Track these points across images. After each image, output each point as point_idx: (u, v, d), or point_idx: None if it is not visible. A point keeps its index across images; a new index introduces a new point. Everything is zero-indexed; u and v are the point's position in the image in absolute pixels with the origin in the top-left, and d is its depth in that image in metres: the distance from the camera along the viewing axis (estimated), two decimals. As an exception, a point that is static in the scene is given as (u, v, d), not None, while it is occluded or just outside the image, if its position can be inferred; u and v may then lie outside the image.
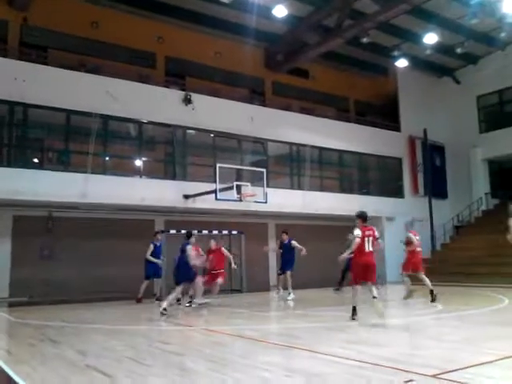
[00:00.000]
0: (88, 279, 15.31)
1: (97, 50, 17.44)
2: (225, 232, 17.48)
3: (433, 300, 11.77)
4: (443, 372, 4.86)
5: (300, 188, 19.17)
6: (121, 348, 6.81)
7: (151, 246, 13.85)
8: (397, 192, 22.84)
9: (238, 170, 16.47)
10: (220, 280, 12.88)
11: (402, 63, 22.26)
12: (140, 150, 16.47)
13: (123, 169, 16.25)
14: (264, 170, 16.16)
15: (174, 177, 16.53)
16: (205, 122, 16.87)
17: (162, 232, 15.21)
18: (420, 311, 11.29)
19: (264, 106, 20.09)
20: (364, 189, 22.20)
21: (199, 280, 11.73)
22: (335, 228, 18.65)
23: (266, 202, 15.51)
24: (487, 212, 23.57)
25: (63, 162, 15.21)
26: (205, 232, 16.62)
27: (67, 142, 15.14)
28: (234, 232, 17.73)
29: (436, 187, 23.77)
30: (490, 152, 23.46)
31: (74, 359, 6.08)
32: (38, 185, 13.58)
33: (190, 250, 10.86)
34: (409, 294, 12.37)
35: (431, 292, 12.00)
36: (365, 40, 19.42)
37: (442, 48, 22.02)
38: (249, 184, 15.20)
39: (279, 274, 15.04)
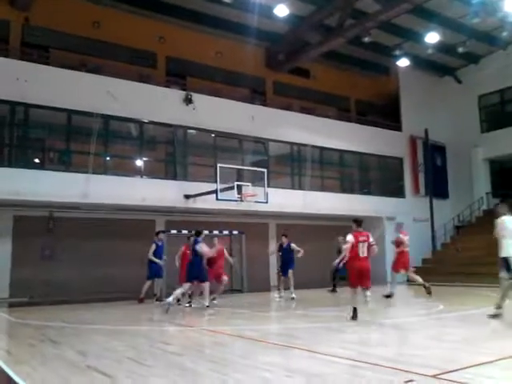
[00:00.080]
0: (89, 279, 15.32)
1: (98, 49, 17.45)
2: (225, 232, 17.49)
3: (428, 292, 12.22)
4: (443, 372, 4.86)
5: (301, 188, 19.15)
6: (121, 348, 6.81)
7: (153, 246, 13.86)
8: (398, 192, 22.81)
9: (239, 170, 16.47)
10: (225, 278, 12.84)
11: (403, 63, 22.22)
12: (141, 149, 16.48)
13: (124, 169, 16.25)
14: (265, 170, 16.15)
15: (174, 177, 16.53)
16: (206, 121, 16.86)
17: (163, 232, 15.21)
18: (420, 311, 11.28)
19: (265, 105, 20.07)
20: (365, 189, 22.19)
21: (208, 283, 11.77)
22: (336, 228, 18.61)
23: (266, 202, 15.51)
24: (488, 212, 23.48)
25: (64, 162, 15.21)
26: (205, 232, 16.62)
27: (68, 142, 15.13)
28: (235, 232, 17.74)
29: (437, 187, 23.75)
30: (491, 152, 23.42)
31: (74, 360, 6.09)
32: (38, 185, 13.58)
33: (202, 247, 11.25)
34: (391, 293, 12.87)
35: (424, 286, 12.41)
36: (366, 39, 19.37)
37: (443, 47, 21.98)
38: (250, 184, 15.21)
39: (278, 273, 15.11)
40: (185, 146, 16.95)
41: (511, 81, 22.61)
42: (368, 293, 8.88)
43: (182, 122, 16.65)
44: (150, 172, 16.53)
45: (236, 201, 14.79)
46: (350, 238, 8.93)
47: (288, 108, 20.49)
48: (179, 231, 16.27)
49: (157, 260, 13.70)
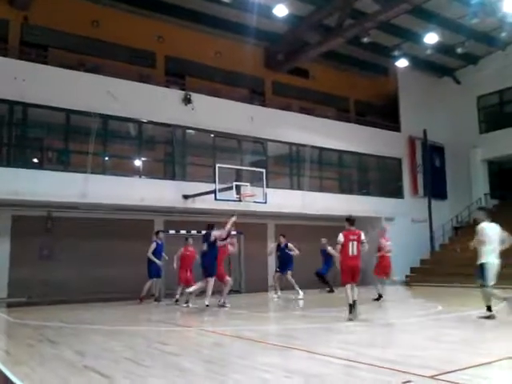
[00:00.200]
0: (87, 279, 15.28)
1: (97, 49, 17.42)
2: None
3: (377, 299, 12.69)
4: (441, 373, 4.86)
5: (300, 188, 19.15)
6: (119, 349, 6.81)
7: (153, 245, 13.86)
8: (396, 192, 22.82)
9: (238, 170, 16.48)
10: (228, 278, 12.75)
11: (402, 63, 22.24)
12: (139, 149, 16.46)
13: (123, 169, 16.24)
14: (263, 171, 16.17)
15: (173, 177, 16.51)
16: (204, 121, 16.86)
17: (163, 232, 15.20)
18: (418, 312, 11.29)
19: (264, 105, 20.06)
20: (364, 189, 22.20)
21: (212, 280, 11.76)
22: (335, 228, 18.36)
23: (265, 203, 15.52)
24: (487, 213, 23.53)
25: (63, 162, 15.20)
26: (204, 232, 16.62)
27: (67, 141, 15.12)
28: (233, 232, 17.69)
29: (435, 188, 23.77)
30: (490, 152, 23.43)
31: (72, 360, 6.08)
32: (37, 185, 13.56)
33: (213, 234, 11.57)
34: (380, 296, 12.97)
35: (380, 295, 12.83)
36: (365, 40, 19.38)
37: (442, 48, 22.01)
38: (248, 184, 15.20)
39: (277, 272, 15.20)
40: (184, 146, 16.94)
41: (510, 81, 22.62)
42: (356, 291, 9.28)
43: (180, 121, 16.64)
44: (148, 172, 16.52)
45: (235, 201, 14.78)
46: (340, 238, 9.26)
47: (287, 108, 20.48)
48: (178, 231, 16.27)
49: (156, 260, 13.69)
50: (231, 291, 13.67)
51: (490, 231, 8.85)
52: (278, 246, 14.93)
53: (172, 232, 16.16)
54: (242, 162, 17.82)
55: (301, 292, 14.26)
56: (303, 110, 21.17)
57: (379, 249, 13.28)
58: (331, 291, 15.76)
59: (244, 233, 17.76)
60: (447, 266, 19.60)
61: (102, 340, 7.61)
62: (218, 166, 15.19)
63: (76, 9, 16.96)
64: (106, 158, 15.78)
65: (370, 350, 6.36)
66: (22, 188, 13.30)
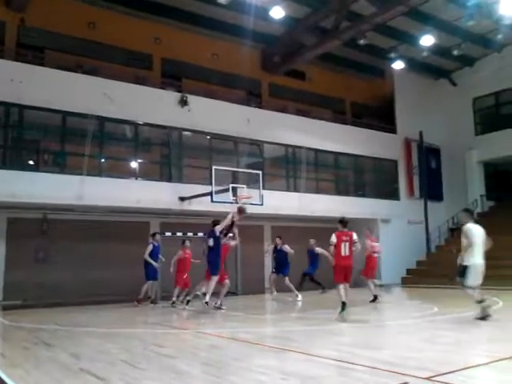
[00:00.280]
0: (83, 282, 15.24)
1: (93, 51, 17.40)
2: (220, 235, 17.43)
3: (373, 300, 12.74)
4: (437, 374, 4.87)
5: (296, 190, 19.18)
6: (115, 351, 6.78)
7: (150, 247, 13.82)
8: (392, 194, 22.88)
9: (234, 172, 16.48)
10: (227, 282, 12.73)
11: (398, 65, 22.28)
12: (136, 151, 16.43)
13: (119, 171, 16.22)
14: (260, 172, 16.17)
15: (169, 179, 16.50)
16: (201, 123, 16.86)
17: (159, 234, 15.17)
18: (414, 313, 11.31)
19: (260, 107, 20.08)
20: (360, 191, 22.24)
21: (215, 279, 11.70)
22: (331, 230, 18.40)
23: (261, 205, 15.51)
24: (482, 214, 23.59)
25: (59, 164, 15.17)
26: (200, 234, 16.59)
27: (63, 143, 15.09)
28: (230, 234, 17.66)
29: (431, 189, 23.82)
30: (486, 154, 23.49)
31: (67, 362, 6.06)
32: (33, 187, 13.52)
33: (217, 228, 11.60)
34: (375, 297, 13.00)
35: (375, 296, 12.87)
36: (361, 42, 19.41)
37: (438, 50, 22.08)
38: (245, 186, 15.17)
39: (273, 273, 15.29)
40: (180, 148, 16.92)
41: (506, 83, 22.70)
42: (347, 286, 9.61)
43: (177, 123, 16.63)
44: (144, 174, 16.50)
45: (231, 203, 14.76)
46: (333, 239, 9.60)
47: (283, 110, 20.50)
48: (174, 233, 16.23)
49: (153, 262, 13.66)
50: (228, 293, 13.64)
51: (476, 232, 8.98)
52: (275, 247, 15.06)
53: (168, 234, 16.12)
54: (238, 163, 17.83)
55: (299, 295, 14.26)
56: (300, 112, 21.21)
57: (365, 250, 13.41)
58: (324, 291, 15.73)
59: (240, 235, 17.70)
60: (443, 268, 19.55)
61: (98, 342, 7.59)
62: (214, 167, 15.20)
63: (72, 11, 16.96)
64: (103, 160, 15.77)
65: (366, 352, 6.36)
66: (18, 190, 13.26)
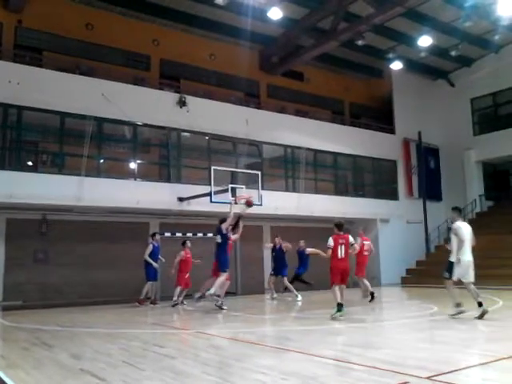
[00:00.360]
0: (82, 282, 15.25)
1: (91, 52, 17.42)
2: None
3: (371, 297, 13.03)
4: (438, 374, 4.88)
5: (295, 190, 19.17)
6: (115, 352, 6.78)
7: (150, 247, 13.83)
8: (391, 194, 22.89)
9: (233, 172, 16.46)
10: (228, 282, 12.79)
11: (396, 66, 22.31)
12: (134, 152, 16.41)
13: (118, 171, 16.20)
14: (259, 173, 16.18)
15: (168, 179, 16.48)
16: (199, 124, 16.86)
17: (159, 234, 15.17)
18: (414, 313, 11.32)
19: (259, 108, 20.10)
20: (359, 191, 22.25)
21: (224, 275, 11.86)
22: (330, 230, 18.51)
23: (261, 205, 15.50)
24: (481, 214, 23.67)
25: (58, 165, 15.14)
26: (199, 235, 16.61)
27: (62, 144, 15.05)
28: (229, 234, 17.68)
29: (430, 189, 23.86)
30: (484, 154, 23.56)
31: (67, 363, 6.06)
32: (32, 188, 13.50)
33: (226, 226, 11.86)
34: (365, 294, 13.46)
35: (372, 294, 13.11)
36: (360, 42, 19.42)
37: (436, 50, 22.13)
38: (244, 186, 15.19)
39: (271, 275, 15.34)
40: (179, 149, 16.92)
41: (503, 84, 22.78)
42: (343, 287, 9.78)
43: (175, 124, 16.62)
44: (143, 174, 16.48)
45: (230, 203, 14.76)
46: (330, 242, 9.75)
47: (282, 111, 20.54)
48: (173, 234, 16.24)
49: (152, 262, 13.65)
50: (227, 293, 13.66)
51: (465, 230, 9.21)
52: (274, 246, 15.12)
53: (167, 234, 16.13)
54: (237, 164, 17.82)
55: (299, 295, 14.28)
56: (298, 113, 21.24)
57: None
58: (310, 284, 15.69)
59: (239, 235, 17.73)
60: (442, 267, 19.61)
61: (98, 343, 7.58)
62: (213, 168, 15.20)
63: (70, 12, 16.99)
64: (101, 161, 15.75)
65: (366, 351, 6.37)
66: (17, 191, 13.25)
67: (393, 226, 21.76)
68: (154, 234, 14.39)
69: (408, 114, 23.57)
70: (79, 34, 17.16)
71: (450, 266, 9.27)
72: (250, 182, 15.97)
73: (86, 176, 14.51)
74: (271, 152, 19.34)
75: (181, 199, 16.01)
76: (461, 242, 9.03)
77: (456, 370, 5.06)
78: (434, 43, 20.83)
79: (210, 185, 14.87)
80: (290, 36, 20.32)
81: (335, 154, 21.00)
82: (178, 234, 16.11)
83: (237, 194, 14.66)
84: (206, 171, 15.83)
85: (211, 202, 14.89)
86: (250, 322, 10.72)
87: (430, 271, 19.97)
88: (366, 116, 24.51)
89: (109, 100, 15.03)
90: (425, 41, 20.51)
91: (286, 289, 15.12)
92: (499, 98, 23.90)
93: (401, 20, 19.33)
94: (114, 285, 15.33)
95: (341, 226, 10.05)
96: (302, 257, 15.42)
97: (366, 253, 13.69)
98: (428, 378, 4.74)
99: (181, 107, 16.77)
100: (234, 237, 12.67)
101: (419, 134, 23.46)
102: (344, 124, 22.51)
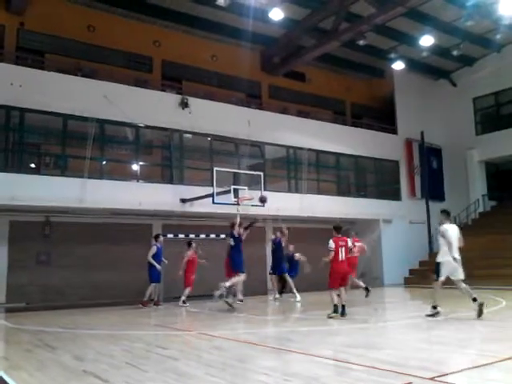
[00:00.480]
0: (85, 284, 15.28)
1: (93, 54, 17.45)
2: (222, 236, 17.47)
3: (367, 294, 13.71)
4: (441, 375, 4.87)
5: (297, 191, 19.17)
6: (118, 353, 6.79)
7: (154, 248, 13.85)
8: (394, 195, 22.84)
9: (235, 173, 16.47)
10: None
11: (398, 65, 22.29)
12: (137, 154, 16.43)
13: (120, 173, 16.20)
14: (261, 174, 16.16)
15: (171, 181, 16.48)
16: (201, 125, 16.85)
17: (162, 236, 15.18)
18: (415, 313, 11.29)
19: (261, 109, 20.09)
20: (361, 192, 22.22)
21: (242, 276, 12.12)
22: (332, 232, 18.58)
23: (263, 206, 15.49)
24: (484, 214, 23.62)
25: (60, 167, 15.16)
26: (202, 236, 16.63)
27: (64, 146, 15.07)
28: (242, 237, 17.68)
29: (433, 190, 23.80)
30: (487, 154, 23.51)
31: (70, 365, 6.07)
32: (34, 190, 13.52)
33: (237, 232, 12.14)
34: (367, 289, 14.00)
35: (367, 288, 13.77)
36: (361, 42, 19.40)
37: (438, 50, 22.11)
38: (246, 188, 15.19)
39: (270, 274, 15.39)
40: (181, 150, 16.93)
41: (506, 83, 22.73)
42: (342, 289, 9.94)
43: (177, 125, 16.64)
44: (146, 176, 16.49)
45: (233, 204, 14.77)
46: (331, 244, 9.88)
47: (284, 111, 20.54)
48: (176, 235, 16.27)
49: (156, 264, 13.65)
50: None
51: (452, 232, 9.57)
52: (274, 240, 15.13)
53: (170, 236, 16.15)
54: (239, 165, 17.82)
55: (298, 295, 14.26)
56: (300, 113, 21.23)
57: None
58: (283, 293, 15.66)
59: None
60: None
61: (101, 344, 7.59)
62: (215, 169, 15.20)
63: (72, 14, 17.02)
64: (104, 163, 15.75)
65: (368, 352, 6.36)
66: (20, 193, 13.27)
67: (395, 226, 21.73)
68: (157, 236, 14.40)
69: (410, 114, 23.54)
70: (81, 36, 17.19)
71: (437, 268, 9.60)
72: (253, 183, 15.96)
73: (89, 178, 14.53)
74: (273, 153, 19.33)
75: (183, 200, 16.01)
76: (448, 244, 9.37)
77: (459, 371, 5.06)
78: (435, 43, 20.80)
79: (212, 186, 14.88)
80: (291, 36, 20.32)
81: (337, 155, 20.98)
82: (181, 236, 16.13)
83: (239, 195, 14.69)
84: (208, 172, 15.84)
85: (213, 203, 14.90)
86: (253, 323, 10.72)
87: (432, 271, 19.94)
88: (368, 116, 24.48)
89: (111, 102, 15.04)
90: (426, 40, 20.48)
91: (283, 287, 15.11)
92: (501, 97, 23.86)
93: (402, 20, 19.32)
94: (117, 286, 15.35)
95: (339, 228, 10.26)
96: (292, 261, 15.49)
97: (356, 254, 13.78)
98: (431, 378, 4.73)
99: (183, 108, 16.79)
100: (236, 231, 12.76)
101: (421, 133, 23.42)
102: (346, 124, 22.50)
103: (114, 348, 7.23)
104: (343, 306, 9.79)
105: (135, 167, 16.52)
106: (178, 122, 16.58)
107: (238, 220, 12.60)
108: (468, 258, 19.09)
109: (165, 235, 15.72)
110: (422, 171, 23.49)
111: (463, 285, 9.39)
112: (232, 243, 12.25)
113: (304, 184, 19.25)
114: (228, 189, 14.76)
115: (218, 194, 14.84)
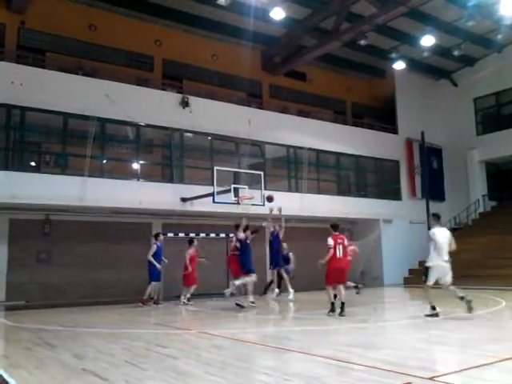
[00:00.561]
0: (85, 283, 15.29)
1: (94, 53, 17.44)
2: (222, 235, 17.49)
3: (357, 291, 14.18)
4: (440, 374, 4.87)
5: (298, 190, 19.16)
6: (118, 352, 6.80)
7: (154, 247, 13.85)
8: (394, 194, 22.85)
9: (236, 172, 16.46)
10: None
11: (399, 65, 22.28)
12: (137, 152, 16.43)
13: (121, 172, 16.21)
14: (261, 173, 16.16)
15: (171, 180, 16.48)
16: (202, 124, 16.85)
17: (162, 234, 15.19)
18: (415, 313, 11.28)
19: (261, 108, 20.08)
20: (361, 191, 22.21)
21: (252, 276, 12.27)
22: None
23: (263, 205, 15.50)
24: (484, 214, 23.62)
25: (60, 166, 15.17)
26: (202, 235, 16.64)
27: (64, 145, 15.08)
28: (232, 235, 17.69)
29: (433, 190, 23.79)
30: (487, 154, 23.52)
31: (70, 363, 6.07)
32: (35, 188, 13.53)
33: (240, 236, 12.35)
34: (356, 286, 14.56)
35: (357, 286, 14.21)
36: (362, 42, 19.41)
37: (439, 50, 22.10)
38: (246, 187, 15.20)
39: (270, 269, 15.41)
40: (181, 149, 16.93)
41: (506, 83, 22.73)
42: (341, 287, 10.10)
43: (178, 124, 16.64)
44: (146, 175, 16.49)
45: (233, 204, 14.78)
46: (330, 241, 10.06)
47: (284, 111, 20.54)
48: (176, 234, 16.27)
49: (156, 263, 13.66)
50: (231, 294, 13.66)
51: (440, 236, 9.53)
52: (272, 233, 15.15)
53: (170, 235, 16.16)
54: (239, 164, 17.82)
55: (291, 290, 14.29)
56: (300, 113, 21.23)
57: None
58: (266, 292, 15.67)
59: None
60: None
61: (101, 343, 7.60)
62: (216, 168, 15.20)
63: (73, 13, 17.02)
64: (104, 161, 15.76)
65: (368, 352, 6.37)
66: (20, 191, 13.28)
67: (396, 226, 21.73)
68: (157, 235, 14.40)
69: (411, 113, 23.54)
70: (82, 35, 17.19)
71: (426, 271, 9.69)
72: (253, 183, 15.97)
73: (89, 176, 14.54)
74: (274, 152, 19.33)
75: (183, 199, 16.01)
76: (438, 248, 9.39)
77: (459, 371, 5.06)
78: (436, 43, 20.80)
79: (212, 185, 14.88)
80: (292, 36, 20.31)
81: (338, 154, 20.97)
82: (181, 235, 16.13)
83: (239, 195, 14.70)
84: (208, 171, 15.84)
85: (214, 202, 14.90)
86: (253, 322, 10.73)
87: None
88: (369, 116, 24.48)
89: (112, 100, 15.05)
90: (427, 40, 20.48)
91: (271, 283, 15.20)
92: (502, 97, 23.86)
93: (403, 20, 19.31)
94: (116, 285, 15.36)
95: (336, 226, 10.44)
96: (285, 260, 15.49)
97: (349, 257, 13.75)
98: (430, 378, 4.73)
99: (183, 108, 16.79)
100: (242, 235, 12.80)
101: (422, 133, 23.40)
102: (346, 124, 22.49)
103: (113, 346, 7.23)
104: (342, 304, 9.81)
105: (136, 166, 16.52)
106: (179, 121, 16.58)
107: (244, 223, 12.70)
108: (468, 258, 19.30)
109: (165, 234, 15.73)
110: (422, 171, 23.48)
111: (451, 287, 9.52)
112: (238, 245, 12.41)
113: (304, 183, 19.25)
114: (228, 188, 14.77)
115: (219, 193, 14.84)
